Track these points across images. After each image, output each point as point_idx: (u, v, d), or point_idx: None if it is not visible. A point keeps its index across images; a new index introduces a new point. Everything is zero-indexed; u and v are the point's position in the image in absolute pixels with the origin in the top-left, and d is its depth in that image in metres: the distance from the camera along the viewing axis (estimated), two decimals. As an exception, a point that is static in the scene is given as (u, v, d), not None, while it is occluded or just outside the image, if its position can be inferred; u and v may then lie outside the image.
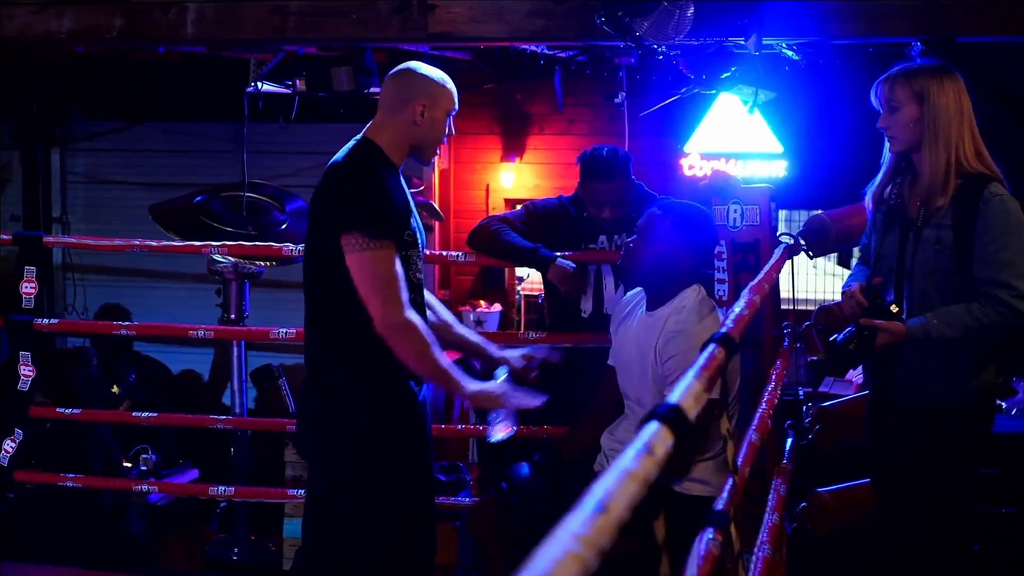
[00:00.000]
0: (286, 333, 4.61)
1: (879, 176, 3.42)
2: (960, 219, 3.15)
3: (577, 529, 1.04)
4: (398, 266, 3.19)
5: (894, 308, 3.19)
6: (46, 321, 4.88)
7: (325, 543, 3.36)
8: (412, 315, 3.20)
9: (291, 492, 4.95)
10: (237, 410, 5.56)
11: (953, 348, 3.17)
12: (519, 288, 7.48)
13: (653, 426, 1.38)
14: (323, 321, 3.35)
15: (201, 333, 4.92)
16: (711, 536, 2.04)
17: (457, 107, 3.45)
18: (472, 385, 3.35)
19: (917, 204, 3.27)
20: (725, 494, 2.31)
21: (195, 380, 8.12)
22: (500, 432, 3.39)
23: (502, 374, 3.52)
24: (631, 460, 1.23)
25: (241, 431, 5.43)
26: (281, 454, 5.38)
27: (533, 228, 4.52)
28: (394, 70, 3.44)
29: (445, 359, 3.28)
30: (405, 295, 3.20)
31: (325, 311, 3.34)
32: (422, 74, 3.40)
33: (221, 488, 4.91)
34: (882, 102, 3.31)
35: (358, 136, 3.38)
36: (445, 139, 3.46)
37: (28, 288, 4.52)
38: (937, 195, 3.19)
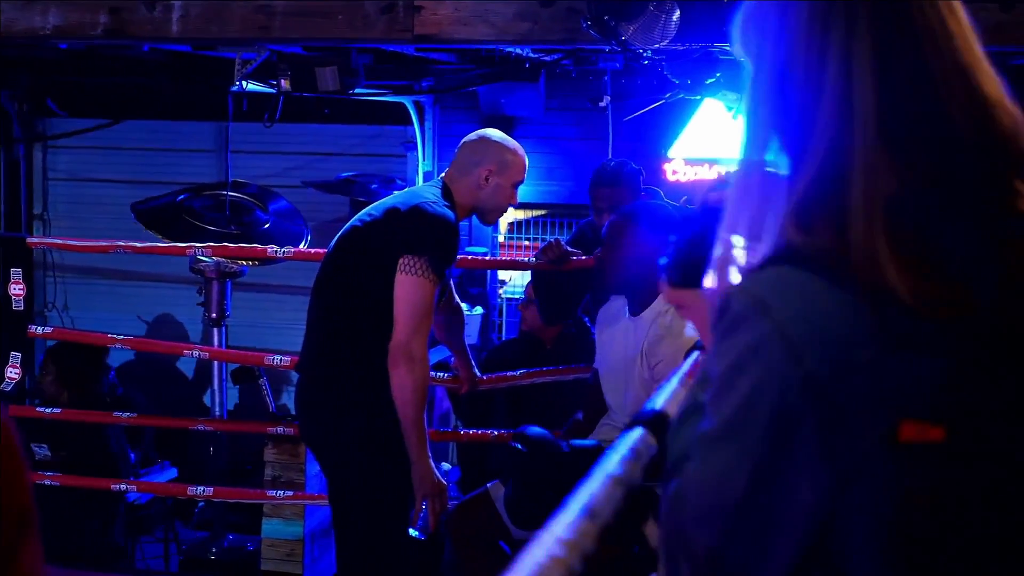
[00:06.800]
0: (281, 360, 4.59)
1: None
2: None
3: (562, 533, 1.04)
4: (434, 301, 3.33)
5: None
6: (40, 329, 4.90)
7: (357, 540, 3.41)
8: (425, 353, 3.30)
9: (270, 492, 4.93)
10: (217, 411, 5.54)
11: None
12: (501, 292, 7.47)
13: (638, 431, 1.38)
14: (349, 327, 3.38)
15: (196, 354, 4.94)
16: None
17: (524, 178, 3.59)
18: (429, 460, 3.33)
19: None
20: None
21: (176, 377, 8.10)
22: (420, 529, 3.45)
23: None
24: (616, 465, 1.23)
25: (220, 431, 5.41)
26: (261, 454, 5.36)
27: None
28: (470, 135, 3.61)
29: (424, 416, 3.31)
30: (428, 331, 3.33)
31: (354, 318, 3.38)
32: (495, 141, 3.56)
33: (200, 488, 4.90)
34: None
35: (438, 179, 3.53)
36: (510, 207, 3.61)
37: (16, 290, 4.53)
38: None
